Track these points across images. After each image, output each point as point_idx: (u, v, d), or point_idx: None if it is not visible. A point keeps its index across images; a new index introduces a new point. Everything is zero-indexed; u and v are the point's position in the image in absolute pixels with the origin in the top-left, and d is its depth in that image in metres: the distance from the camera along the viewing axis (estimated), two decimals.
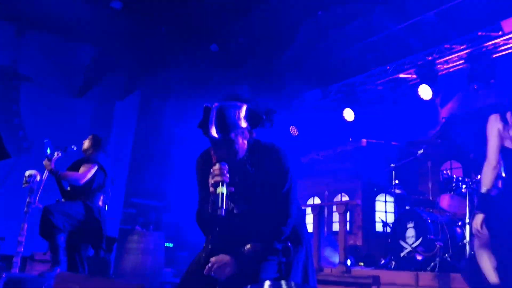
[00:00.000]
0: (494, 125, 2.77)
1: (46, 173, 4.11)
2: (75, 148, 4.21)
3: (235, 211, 2.09)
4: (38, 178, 4.09)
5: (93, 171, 4.07)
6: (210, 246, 2.10)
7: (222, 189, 1.88)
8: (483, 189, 2.82)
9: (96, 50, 7.72)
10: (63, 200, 4.15)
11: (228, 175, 1.92)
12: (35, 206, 4.00)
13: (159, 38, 7.01)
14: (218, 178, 1.90)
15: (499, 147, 2.76)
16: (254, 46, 6.97)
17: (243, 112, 2.01)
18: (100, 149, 4.27)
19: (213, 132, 1.92)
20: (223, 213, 1.86)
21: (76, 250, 4.03)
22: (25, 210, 3.99)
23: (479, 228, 2.81)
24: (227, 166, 1.94)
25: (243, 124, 2.00)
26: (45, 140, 4.14)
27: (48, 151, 4.07)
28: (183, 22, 6.63)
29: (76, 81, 7.85)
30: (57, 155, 4.11)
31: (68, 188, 4.16)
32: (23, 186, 4.05)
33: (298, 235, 2.13)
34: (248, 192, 2.06)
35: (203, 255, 2.09)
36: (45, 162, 4.01)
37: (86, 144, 4.33)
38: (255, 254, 1.97)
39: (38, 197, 4.08)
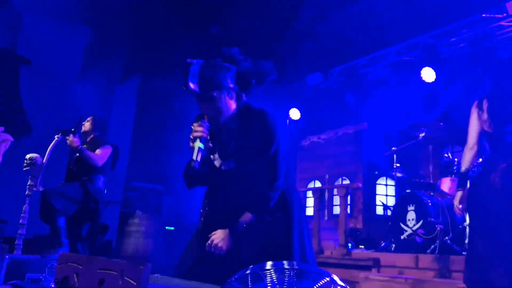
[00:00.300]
0: (473, 111, 3.04)
1: (46, 156, 4.11)
2: (73, 130, 4.20)
3: (222, 168, 2.17)
4: (39, 161, 4.09)
5: (109, 152, 4.15)
6: (203, 219, 2.21)
7: (199, 144, 1.98)
8: (462, 168, 3.10)
9: (95, 32, 7.64)
10: (65, 179, 4.20)
11: (207, 132, 2.01)
12: (36, 189, 4.00)
13: (158, 19, 6.93)
14: (196, 134, 2.00)
15: (477, 131, 3.00)
16: (254, 27, 6.89)
17: (231, 72, 2.08)
18: (104, 131, 4.29)
19: (190, 85, 1.97)
20: (196, 165, 1.96)
21: (77, 232, 4.08)
22: (26, 193, 3.99)
23: (457, 204, 3.13)
24: (207, 124, 2.03)
25: (230, 84, 2.06)
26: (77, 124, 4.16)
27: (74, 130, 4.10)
28: (182, 2, 6.55)
29: (75, 64, 7.79)
30: (57, 138, 4.10)
31: (72, 167, 4.20)
32: (24, 169, 4.04)
33: (286, 201, 2.17)
34: (235, 152, 2.13)
35: (199, 228, 2.19)
36: (71, 138, 4.01)
37: (87, 125, 4.33)
38: (249, 226, 2.08)
39: (39, 180, 4.08)
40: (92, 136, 4.37)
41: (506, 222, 2.72)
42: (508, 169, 2.80)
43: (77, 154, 4.12)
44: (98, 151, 4.16)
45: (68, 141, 4.06)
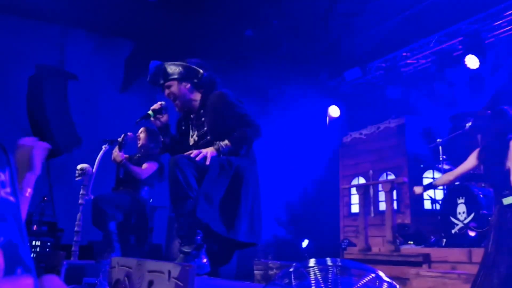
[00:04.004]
0: None
1: (96, 166, 4.31)
2: (120, 140, 4.37)
3: (200, 142, 2.78)
4: (89, 171, 4.29)
5: (154, 168, 4.30)
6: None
7: (149, 112, 2.83)
8: None
9: (136, 44, 7.90)
10: (114, 187, 4.39)
11: (159, 107, 2.84)
12: (88, 198, 4.21)
13: (195, 28, 7.07)
14: (152, 107, 2.84)
15: None
16: (288, 28, 6.89)
17: (186, 69, 2.78)
18: (158, 142, 4.43)
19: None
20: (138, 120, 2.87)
21: (126, 238, 4.25)
22: (79, 201, 4.20)
23: None
24: (164, 103, 2.85)
25: (185, 75, 2.76)
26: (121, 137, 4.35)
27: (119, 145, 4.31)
28: (217, 9, 6.65)
29: (119, 76, 8.10)
30: (105, 148, 4.29)
31: (121, 177, 4.39)
32: (76, 179, 4.26)
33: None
34: (206, 128, 2.77)
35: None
36: (116, 152, 4.21)
37: (142, 138, 4.47)
38: (230, 147, 2.62)
39: (90, 189, 4.28)
40: (146, 147, 4.49)
41: None
42: None
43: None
44: (144, 165, 4.31)
45: (113, 156, 4.23)
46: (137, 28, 7.32)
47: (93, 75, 7.64)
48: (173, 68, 2.78)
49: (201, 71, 2.76)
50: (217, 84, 2.85)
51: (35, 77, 7.10)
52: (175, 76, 2.76)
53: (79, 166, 4.25)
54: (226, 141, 2.61)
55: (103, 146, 4.37)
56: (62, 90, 7.33)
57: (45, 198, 6.25)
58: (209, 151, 2.54)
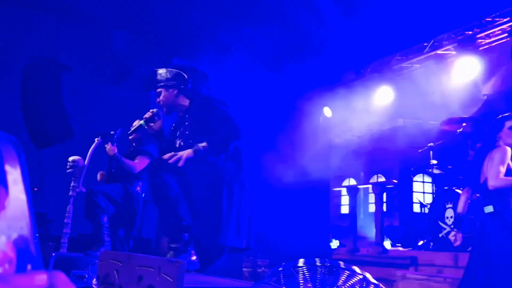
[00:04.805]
0: None
1: (88, 158, 4.29)
2: (112, 133, 4.36)
3: (183, 146, 2.85)
4: (81, 163, 4.27)
5: (147, 162, 4.29)
6: None
7: (141, 122, 3.04)
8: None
9: (131, 38, 7.85)
10: (106, 180, 4.39)
11: (151, 114, 3.01)
12: (79, 190, 4.19)
13: (193, 24, 7.04)
14: (144, 116, 3.04)
15: None
16: (284, 29, 6.89)
17: (171, 75, 2.91)
18: (150, 137, 4.42)
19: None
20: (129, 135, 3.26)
21: (117, 231, 4.25)
22: (70, 193, 4.18)
23: None
24: (156, 110, 3.03)
25: (172, 82, 2.90)
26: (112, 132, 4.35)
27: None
28: (213, 4, 6.63)
29: (113, 69, 8.05)
30: (97, 141, 4.28)
31: (113, 170, 4.38)
32: (67, 171, 4.24)
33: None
34: (188, 132, 2.90)
35: None
36: (110, 146, 4.20)
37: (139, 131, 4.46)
38: (207, 149, 2.68)
39: (81, 181, 4.27)
40: (139, 141, 4.47)
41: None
42: None
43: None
44: (137, 159, 4.31)
45: (106, 149, 4.23)
46: (134, 22, 7.27)
47: (88, 66, 7.59)
48: (161, 75, 2.94)
49: (186, 76, 2.91)
50: (203, 87, 2.99)
51: (29, 67, 7.04)
52: (162, 84, 2.92)
53: (70, 158, 4.22)
54: (204, 143, 2.68)
55: (96, 139, 4.36)
56: (56, 81, 7.28)
57: (35, 189, 6.21)
58: (185, 154, 2.63)
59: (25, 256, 0.66)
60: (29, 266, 0.66)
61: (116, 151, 4.23)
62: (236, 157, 2.82)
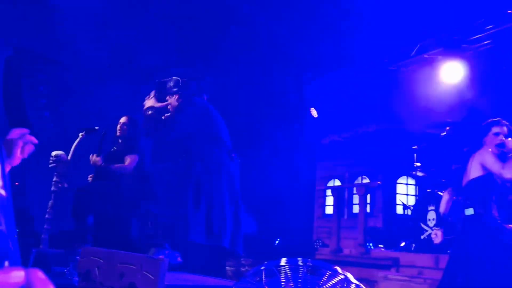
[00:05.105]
0: None
1: (71, 153, 4.23)
2: (97, 128, 4.31)
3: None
4: (64, 158, 4.21)
5: (136, 160, 4.25)
6: None
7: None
8: None
9: (123, 34, 7.76)
10: (94, 177, 4.31)
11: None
12: (61, 185, 4.13)
13: (183, 20, 7.00)
14: None
15: None
16: (274, 26, 6.89)
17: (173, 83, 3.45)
18: (139, 133, 4.37)
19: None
20: None
21: (102, 229, 4.20)
22: (52, 189, 4.12)
23: None
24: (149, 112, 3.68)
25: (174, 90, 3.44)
26: (96, 127, 4.30)
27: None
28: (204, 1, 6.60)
29: (103, 64, 7.95)
30: (81, 136, 4.22)
31: (101, 170, 4.31)
32: (50, 166, 4.17)
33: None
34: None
35: None
36: (94, 158, 4.14)
37: (124, 129, 4.39)
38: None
39: (64, 176, 4.21)
40: (126, 138, 4.42)
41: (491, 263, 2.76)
42: None
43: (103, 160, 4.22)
44: (127, 160, 4.26)
45: (91, 161, 4.18)
46: (126, 18, 7.20)
47: (77, 60, 7.49)
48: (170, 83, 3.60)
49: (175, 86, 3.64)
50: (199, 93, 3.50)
51: (12, 59, 6.89)
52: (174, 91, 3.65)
53: (53, 153, 4.16)
54: None
55: (80, 134, 4.30)
56: (41, 73, 7.16)
57: (16, 184, 6.10)
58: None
59: (3, 252, 0.65)
60: (6, 263, 0.65)
61: (101, 162, 4.17)
62: (207, 160, 2.88)
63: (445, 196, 3.48)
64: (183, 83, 3.60)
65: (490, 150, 3.04)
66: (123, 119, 4.50)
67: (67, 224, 4.92)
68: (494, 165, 2.93)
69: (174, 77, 3.71)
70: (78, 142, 4.28)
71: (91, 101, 7.38)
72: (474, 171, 3.04)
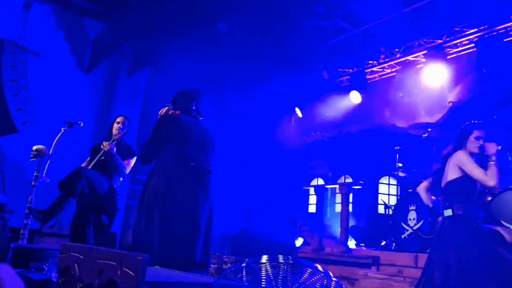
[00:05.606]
0: None
1: (53, 147, 4.17)
2: (82, 124, 4.25)
3: None
4: (45, 152, 4.15)
5: (134, 162, 4.22)
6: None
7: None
8: None
9: (104, 26, 7.68)
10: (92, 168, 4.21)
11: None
12: (42, 180, 4.07)
13: (166, 15, 6.95)
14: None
15: None
16: (260, 26, 6.90)
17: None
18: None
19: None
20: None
21: (87, 224, 4.13)
22: (32, 183, 4.06)
23: None
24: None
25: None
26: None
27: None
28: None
29: (84, 56, 7.85)
30: (64, 130, 4.16)
31: (101, 161, 4.21)
32: (30, 160, 4.11)
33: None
34: None
35: None
36: (109, 146, 4.06)
37: (122, 127, 4.32)
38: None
39: (45, 171, 4.15)
40: (120, 138, 4.34)
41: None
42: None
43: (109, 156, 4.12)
44: (127, 161, 4.20)
45: (105, 147, 4.07)
46: (108, 10, 7.11)
47: (57, 53, 7.37)
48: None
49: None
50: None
51: None
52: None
53: (34, 147, 4.09)
54: None
55: (62, 128, 4.24)
56: (21, 65, 7.02)
57: None
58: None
59: None
60: None
61: (114, 151, 4.09)
62: (157, 168, 3.23)
63: (421, 188, 3.53)
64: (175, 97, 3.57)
65: (469, 152, 3.10)
66: (120, 118, 4.43)
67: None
68: (474, 170, 2.97)
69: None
70: (61, 136, 4.23)
71: (73, 94, 7.28)
72: (452, 173, 3.09)
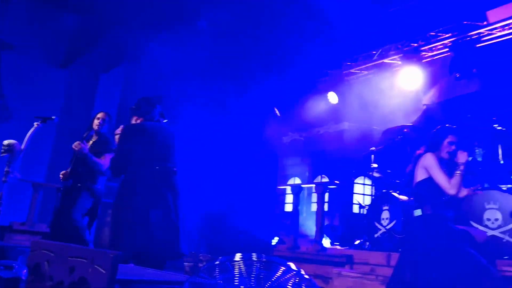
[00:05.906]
0: None
1: (25, 142, 4.08)
2: (54, 118, 4.16)
3: None
4: (17, 147, 4.05)
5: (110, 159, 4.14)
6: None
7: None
8: None
9: (82, 20, 7.54)
10: (69, 177, 4.11)
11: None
12: (13, 176, 3.97)
13: (145, 10, 6.87)
14: None
15: None
16: (240, 24, 6.90)
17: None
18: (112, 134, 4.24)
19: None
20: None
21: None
22: (3, 179, 3.96)
23: None
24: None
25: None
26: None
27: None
28: None
29: (60, 51, 7.70)
30: (36, 125, 4.07)
31: (79, 169, 4.12)
32: (1, 155, 4.00)
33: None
34: None
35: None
36: (78, 145, 3.99)
37: (102, 124, 4.25)
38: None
39: (17, 167, 4.05)
40: (101, 134, 4.27)
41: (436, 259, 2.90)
42: None
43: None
44: (104, 157, 4.12)
45: (75, 146, 4.00)
46: (85, 4, 6.99)
47: (32, 47, 7.20)
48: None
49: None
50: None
51: None
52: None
53: (5, 142, 3.99)
54: None
55: (35, 123, 4.14)
56: None
57: None
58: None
59: None
60: None
61: (87, 150, 4.01)
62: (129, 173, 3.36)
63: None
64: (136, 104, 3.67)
65: (439, 156, 3.16)
66: (100, 114, 4.37)
67: (19, 216, 4.75)
68: (438, 175, 3.04)
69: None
70: (33, 132, 4.13)
71: (49, 89, 7.13)
72: (420, 174, 3.16)
